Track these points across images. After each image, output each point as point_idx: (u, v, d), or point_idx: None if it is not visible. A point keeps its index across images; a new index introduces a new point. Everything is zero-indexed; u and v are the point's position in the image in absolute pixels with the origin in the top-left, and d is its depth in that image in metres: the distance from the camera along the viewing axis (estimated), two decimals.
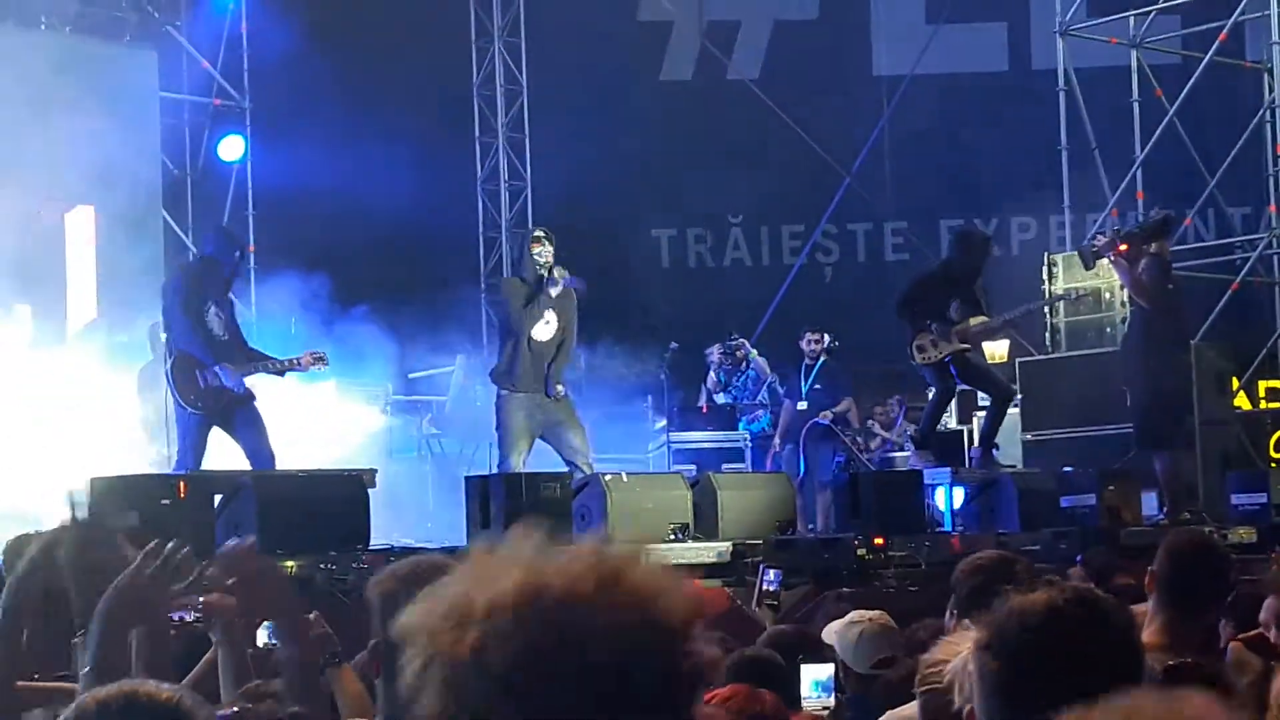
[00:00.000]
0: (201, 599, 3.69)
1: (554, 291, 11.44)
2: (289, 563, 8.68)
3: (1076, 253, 14.54)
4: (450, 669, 1.86)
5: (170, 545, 3.58)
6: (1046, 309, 15.54)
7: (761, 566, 8.05)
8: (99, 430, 13.59)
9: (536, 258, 11.42)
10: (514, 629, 1.84)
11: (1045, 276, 15.79)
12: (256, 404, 10.96)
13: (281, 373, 11.20)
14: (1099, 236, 13.35)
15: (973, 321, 13.01)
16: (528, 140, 20.00)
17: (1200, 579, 5.34)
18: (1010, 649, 2.79)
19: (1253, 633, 5.38)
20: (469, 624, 1.86)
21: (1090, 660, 2.79)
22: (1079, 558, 8.89)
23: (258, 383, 11.21)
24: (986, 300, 13.26)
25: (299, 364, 11.20)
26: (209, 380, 10.71)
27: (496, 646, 1.84)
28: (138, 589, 3.46)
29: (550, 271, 11.41)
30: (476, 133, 20.09)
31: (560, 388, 11.47)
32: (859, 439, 16.45)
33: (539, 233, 11.67)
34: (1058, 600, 2.87)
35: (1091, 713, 1.78)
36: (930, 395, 13.82)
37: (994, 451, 13.30)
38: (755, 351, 16.88)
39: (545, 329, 11.45)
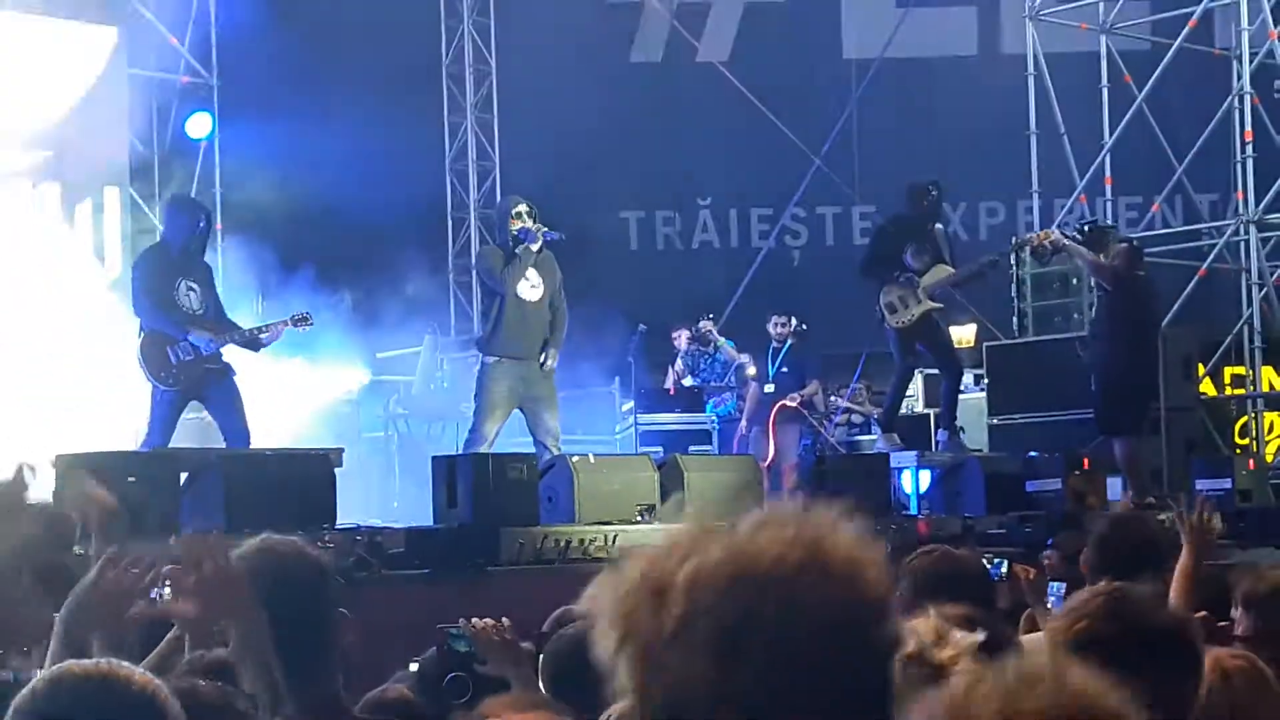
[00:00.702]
0: (159, 603, 3.60)
1: (534, 246, 11.34)
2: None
3: (1023, 248, 14.50)
4: (650, 646, 1.80)
5: (130, 558, 3.52)
6: (1013, 259, 15.51)
7: None
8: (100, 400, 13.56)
9: (518, 235, 11.35)
10: (721, 604, 1.79)
11: (1013, 261, 15.83)
12: (235, 379, 10.88)
13: (255, 346, 11.03)
14: (1032, 235, 13.47)
15: (938, 274, 12.96)
16: (496, 121, 19.96)
17: (1126, 553, 5.37)
18: None
19: (1199, 614, 5.41)
20: (671, 600, 1.80)
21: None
22: (1049, 541, 8.92)
23: (235, 358, 11.11)
24: (952, 256, 13.25)
25: (265, 332, 11.03)
26: (180, 355, 10.61)
27: (703, 623, 1.79)
28: (101, 597, 3.40)
29: (530, 226, 11.28)
30: (445, 113, 20.03)
31: (553, 361, 11.40)
32: (825, 422, 16.47)
33: (522, 207, 11.45)
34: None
35: (978, 681, 1.77)
36: (893, 377, 13.81)
37: (960, 435, 13.35)
38: (722, 340, 16.83)
39: (531, 289, 11.36)
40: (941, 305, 13.13)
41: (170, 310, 10.61)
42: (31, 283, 14.92)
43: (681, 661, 1.79)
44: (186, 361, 10.58)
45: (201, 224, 11.08)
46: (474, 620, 4.47)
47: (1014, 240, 14.70)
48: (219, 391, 10.74)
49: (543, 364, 11.37)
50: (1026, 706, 1.67)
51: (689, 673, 1.78)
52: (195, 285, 10.75)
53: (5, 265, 14.71)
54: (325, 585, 4.00)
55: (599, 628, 1.84)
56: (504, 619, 4.52)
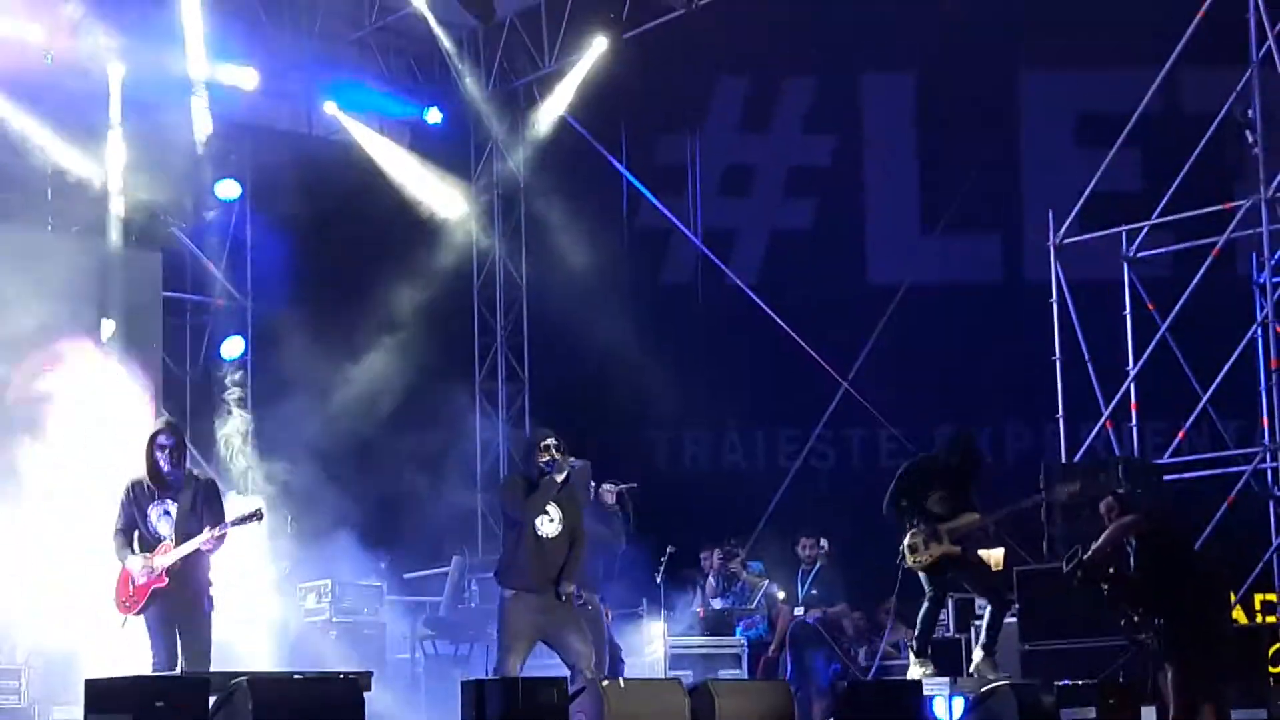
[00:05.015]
0: None
1: (559, 478, 11.23)
2: None
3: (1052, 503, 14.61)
4: None
5: None
6: (1042, 510, 15.50)
7: None
8: None
9: (544, 466, 11.25)
10: None
11: (1042, 486, 15.82)
12: (212, 613, 10.77)
13: (215, 541, 10.83)
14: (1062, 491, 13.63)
15: (962, 520, 13.01)
16: (526, 341, 20.15)
17: None
18: None
19: None
20: None
21: None
22: None
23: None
24: (978, 502, 13.25)
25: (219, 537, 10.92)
26: (136, 580, 10.71)
27: None
28: None
29: (557, 458, 11.20)
30: (476, 333, 20.25)
31: (570, 588, 11.19)
32: (852, 648, 16.35)
33: (550, 440, 11.32)
34: None
35: None
36: (924, 603, 13.75)
37: (993, 660, 13.24)
38: (745, 574, 16.78)
39: (550, 525, 11.19)
40: (959, 549, 13.09)
41: (121, 537, 10.68)
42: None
43: None
44: (140, 586, 10.66)
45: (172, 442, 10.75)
46: None
47: (1042, 491, 14.73)
48: (189, 617, 10.75)
49: (558, 595, 11.19)
50: None
51: None
52: (171, 510, 10.76)
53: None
54: None
55: None
56: None
